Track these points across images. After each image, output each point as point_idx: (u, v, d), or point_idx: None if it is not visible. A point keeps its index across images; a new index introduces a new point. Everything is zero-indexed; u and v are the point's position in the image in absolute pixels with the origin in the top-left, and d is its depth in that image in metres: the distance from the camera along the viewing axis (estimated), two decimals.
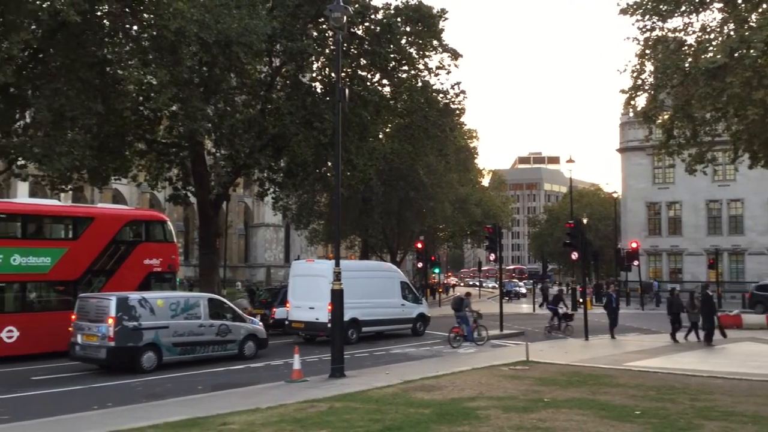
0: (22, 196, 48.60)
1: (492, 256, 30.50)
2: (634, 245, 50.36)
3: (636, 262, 49.21)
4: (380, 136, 40.10)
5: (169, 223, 24.99)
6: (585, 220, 52.29)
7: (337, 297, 16.13)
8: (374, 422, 10.37)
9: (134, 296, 17.82)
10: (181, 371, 17.22)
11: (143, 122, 28.79)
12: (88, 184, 30.14)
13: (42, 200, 25.87)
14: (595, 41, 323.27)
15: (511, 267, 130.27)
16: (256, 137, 29.10)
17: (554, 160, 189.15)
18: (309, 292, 23.90)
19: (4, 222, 21.32)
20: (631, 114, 31.37)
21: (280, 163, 32.51)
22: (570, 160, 35.84)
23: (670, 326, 25.25)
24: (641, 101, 21.61)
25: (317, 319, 23.35)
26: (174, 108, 26.57)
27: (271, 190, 35.48)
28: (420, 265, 55.40)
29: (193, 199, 33.22)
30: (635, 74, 20.70)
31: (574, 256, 33.29)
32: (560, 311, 28.52)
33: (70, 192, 35.33)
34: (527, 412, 11.25)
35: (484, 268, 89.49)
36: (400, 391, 13.31)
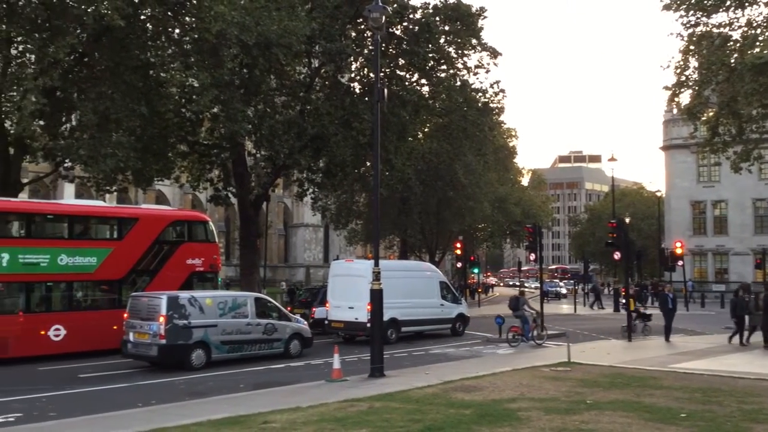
0: (68, 197, 49.68)
1: (532, 256, 30.19)
2: (678, 245, 49.42)
3: (680, 263, 48.28)
4: (419, 136, 40.08)
5: (211, 223, 25.25)
6: (627, 220, 51.42)
7: (376, 297, 16.15)
8: (414, 422, 10.35)
9: (184, 295, 18.16)
10: (222, 370, 17.43)
11: (185, 124, 29.21)
12: (133, 185, 30.71)
13: (87, 201, 26.37)
14: (637, 37, 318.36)
15: (554, 267, 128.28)
16: (295, 138, 29.30)
17: (595, 158, 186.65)
18: (348, 291, 23.97)
19: (51, 222, 21.77)
20: (675, 111, 30.86)
21: (319, 163, 32.69)
22: (612, 159, 35.36)
23: (723, 328, 24.48)
24: (685, 98, 21.28)
25: (356, 318, 23.42)
26: (215, 110, 26.93)
27: (311, 190, 35.72)
28: (459, 265, 55.17)
29: (233, 200, 33.60)
30: (679, 70, 20.36)
31: (617, 256, 32.79)
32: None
33: (115, 193, 36.00)
34: (569, 413, 11.10)
35: (524, 268, 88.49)
36: (440, 392, 13.26)
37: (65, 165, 26.73)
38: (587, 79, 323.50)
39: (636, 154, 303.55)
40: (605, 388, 13.79)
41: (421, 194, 47.55)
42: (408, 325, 25.07)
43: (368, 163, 33.11)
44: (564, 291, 71.18)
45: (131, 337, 17.80)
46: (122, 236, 22.04)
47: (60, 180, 30.51)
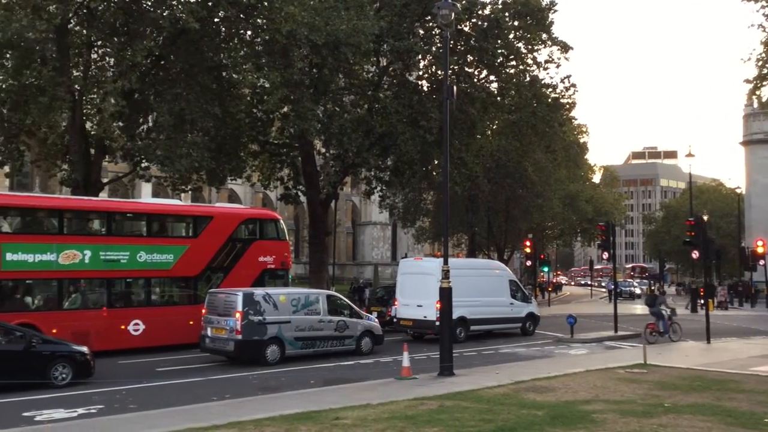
0: (145, 196, 51.35)
1: (605, 255, 29.49)
2: (760, 244, 47.45)
3: (762, 262, 46.36)
4: (487, 133, 39.70)
5: (282, 221, 25.57)
6: (706, 218, 49.70)
7: (445, 295, 16.08)
8: (486, 422, 10.25)
9: (259, 292, 18.54)
10: (294, 366, 17.67)
11: (257, 124, 29.76)
12: (206, 184, 31.50)
13: (164, 200, 27.09)
14: (715, 28, 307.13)
15: (629, 265, 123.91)
16: (363, 136, 29.46)
17: (671, 154, 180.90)
18: (417, 290, 23.92)
19: (131, 221, 22.44)
20: (756, 105, 29.60)
21: (387, 161, 32.79)
22: (689, 155, 34.27)
23: None
24: (767, 92, 20.34)
25: (425, 317, 23.34)
26: (285, 109, 27.36)
27: (378, 188, 35.86)
28: (528, 263, 54.41)
29: (303, 198, 34.05)
30: (761, 63, 19.51)
31: (695, 255, 31.69)
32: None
33: (190, 192, 37.01)
34: (646, 416, 10.80)
35: (597, 266, 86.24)
36: (511, 392, 13.10)
37: (142, 165, 27.64)
38: (662, 72, 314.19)
39: (714, 149, 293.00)
40: (684, 391, 13.36)
41: (490, 192, 47.11)
42: (477, 324, 24.86)
43: (436, 161, 33.01)
44: (638, 291, 69.21)
45: (209, 332, 18.30)
46: (197, 234, 22.48)
47: (137, 180, 31.51)
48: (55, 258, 18.98)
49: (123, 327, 19.96)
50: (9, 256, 18.27)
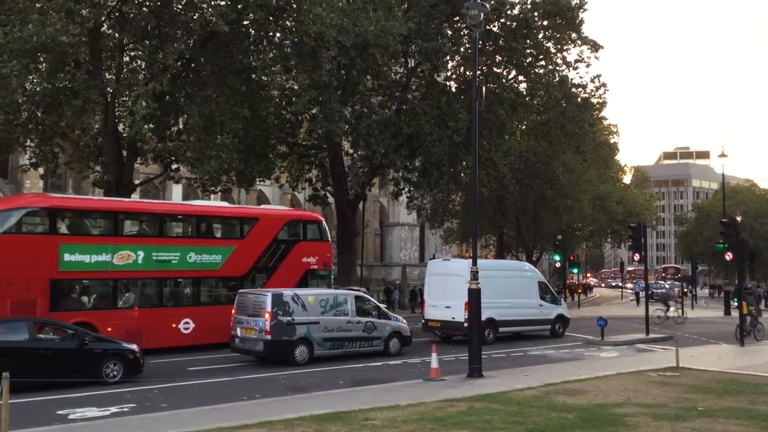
0: (176, 198, 51.94)
1: (636, 256, 29.09)
2: None
3: None
4: (516, 134, 39.49)
5: (324, 222, 25.81)
6: (739, 218, 48.89)
7: (474, 296, 16.00)
8: (516, 425, 10.18)
9: (288, 292, 18.64)
10: (322, 366, 17.73)
11: (285, 126, 29.93)
12: (236, 185, 31.76)
13: (213, 202, 27.38)
14: (748, 26, 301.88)
15: (661, 267, 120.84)
16: (391, 137, 29.48)
17: (703, 154, 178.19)
18: (445, 291, 23.83)
19: (181, 222, 23.01)
20: None
21: (415, 162, 32.78)
22: (722, 155, 33.70)
23: None
24: None
25: (453, 318, 23.22)
26: (314, 111, 27.48)
27: (406, 189, 35.85)
28: (558, 264, 53.94)
29: (331, 199, 34.19)
30: None
31: (729, 256, 31.15)
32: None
33: (219, 193, 37.33)
34: (679, 420, 10.64)
35: (630, 268, 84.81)
36: (542, 394, 12.99)
37: (173, 167, 27.95)
38: (694, 70, 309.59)
39: (747, 149, 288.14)
40: (717, 395, 13.15)
41: (518, 193, 46.84)
42: (506, 326, 24.68)
43: (464, 162, 32.93)
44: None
45: (238, 332, 18.45)
46: (244, 235, 22.87)
47: (168, 181, 31.88)
48: (110, 258, 19.57)
49: (174, 326, 20.35)
50: (67, 257, 18.83)
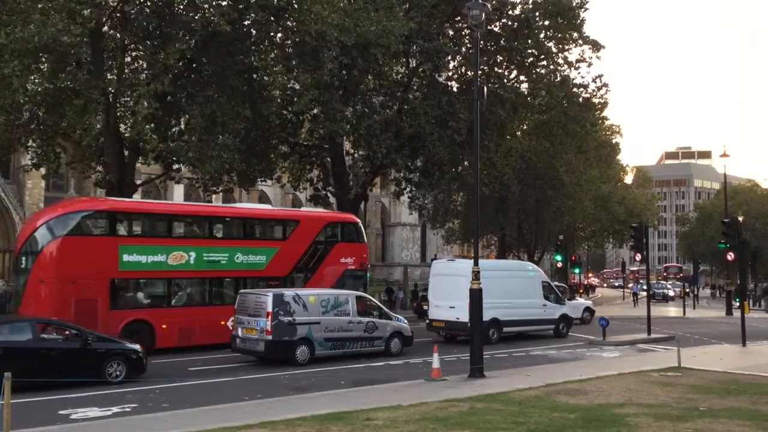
0: (177, 198, 51.98)
1: (638, 257, 29.07)
2: None
3: None
4: (517, 134, 39.46)
5: (361, 224, 26.41)
6: (741, 219, 48.83)
7: (475, 296, 16.01)
8: (518, 425, 10.17)
9: (289, 293, 18.70)
10: (323, 366, 17.72)
11: (287, 126, 29.93)
12: (237, 185, 31.77)
13: (258, 205, 28.08)
14: (748, 25, 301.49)
15: (665, 265, 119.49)
16: (392, 137, 29.48)
17: (705, 154, 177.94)
18: (449, 291, 23.81)
19: (228, 224, 23.73)
20: None
21: (416, 162, 32.76)
22: (724, 155, 33.64)
23: None
24: None
25: (457, 318, 23.14)
26: (315, 111, 27.47)
27: (408, 189, 35.82)
28: (560, 265, 53.89)
29: (332, 200, 34.15)
30: None
31: (730, 257, 31.13)
32: None
33: (221, 193, 37.32)
34: (681, 420, 10.63)
35: (633, 268, 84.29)
36: (543, 394, 12.99)
37: (174, 167, 27.95)
38: (695, 71, 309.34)
39: (749, 149, 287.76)
40: (719, 395, 13.14)
41: (520, 193, 46.81)
42: (510, 326, 24.74)
43: (466, 162, 32.90)
44: (672, 293, 67.98)
45: (239, 332, 18.47)
46: (286, 237, 23.72)
47: (169, 181, 31.88)
48: (165, 259, 20.46)
49: (223, 323, 20.55)
50: (126, 257, 19.75)
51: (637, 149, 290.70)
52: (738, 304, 32.46)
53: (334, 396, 13.20)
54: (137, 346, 15.67)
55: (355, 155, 33.23)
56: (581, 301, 35.95)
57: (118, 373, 14.85)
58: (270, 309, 17.79)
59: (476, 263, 16.48)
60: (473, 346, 15.71)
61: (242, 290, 20.00)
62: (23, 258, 19.95)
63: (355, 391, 13.97)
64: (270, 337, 17.70)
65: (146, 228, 21.65)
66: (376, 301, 21.44)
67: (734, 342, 24.36)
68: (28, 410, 11.64)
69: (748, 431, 10.02)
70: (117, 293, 19.69)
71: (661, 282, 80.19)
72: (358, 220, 26.53)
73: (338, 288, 22.19)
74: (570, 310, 27.96)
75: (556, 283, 34.71)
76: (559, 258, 55.61)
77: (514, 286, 25.18)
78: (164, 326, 19.48)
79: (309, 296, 18.77)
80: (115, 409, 12.15)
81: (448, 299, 23.87)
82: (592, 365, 18.23)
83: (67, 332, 15.13)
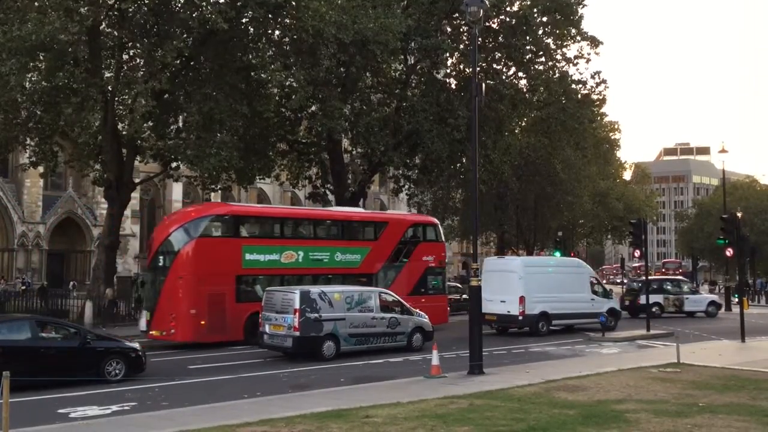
0: (176, 196, 52.00)
1: (637, 253, 29.11)
2: None
3: None
4: (516, 131, 39.46)
5: (440, 225, 28.20)
6: (740, 214, 48.90)
7: (474, 294, 16.03)
8: (517, 421, 10.16)
9: (315, 290, 19.07)
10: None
11: (285, 123, 29.94)
12: (236, 183, 31.76)
13: (352, 208, 29.75)
14: (747, 20, 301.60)
15: (664, 261, 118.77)
16: (391, 135, 29.48)
17: (704, 150, 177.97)
18: (500, 286, 25.18)
19: (328, 226, 25.79)
20: None
21: (414, 159, 32.76)
22: (723, 150, 33.64)
23: None
24: None
25: (508, 311, 25.08)
26: (313, 108, 27.47)
27: (406, 186, 35.82)
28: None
29: (331, 197, 34.17)
30: None
31: (729, 252, 31.17)
32: None
33: (219, 191, 37.31)
34: (680, 416, 10.62)
35: (634, 264, 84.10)
36: (543, 391, 12.98)
37: (173, 165, 27.93)
38: (694, 67, 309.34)
39: (748, 145, 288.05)
40: (718, 391, 13.13)
41: (518, 190, 46.83)
42: (558, 319, 26.02)
43: (464, 159, 32.91)
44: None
45: (267, 328, 18.76)
46: (377, 237, 25.80)
47: (167, 179, 31.86)
48: (279, 257, 22.68)
49: None
50: (248, 256, 21.99)
51: (636, 145, 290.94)
52: (737, 299, 32.51)
53: (333, 393, 13.18)
54: (136, 345, 15.66)
55: (354, 153, 33.22)
56: (706, 296, 37.07)
57: (117, 371, 14.83)
58: (297, 306, 18.10)
59: (475, 260, 16.52)
60: (473, 343, 15.66)
61: (269, 288, 20.49)
62: (160, 257, 22.03)
63: (354, 389, 13.95)
64: (298, 333, 18.02)
65: (263, 230, 23.80)
66: (398, 297, 21.60)
67: (733, 338, 24.36)
68: (27, 409, 11.63)
69: (747, 426, 10.00)
70: (241, 288, 21.71)
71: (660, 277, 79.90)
72: (437, 222, 28.29)
73: (421, 283, 25.62)
74: (617, 303, 28.77)
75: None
76: (558, 254, 55.64)
77: (563, 281, 26.52)
78: None
79: (334, 293, 19.11)
80: (114, 408, 12.13)
81: (499, 294, 25.18)
82: (591, 362, 18.20)
83: (66, 331, 15.11)
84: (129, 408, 12.20)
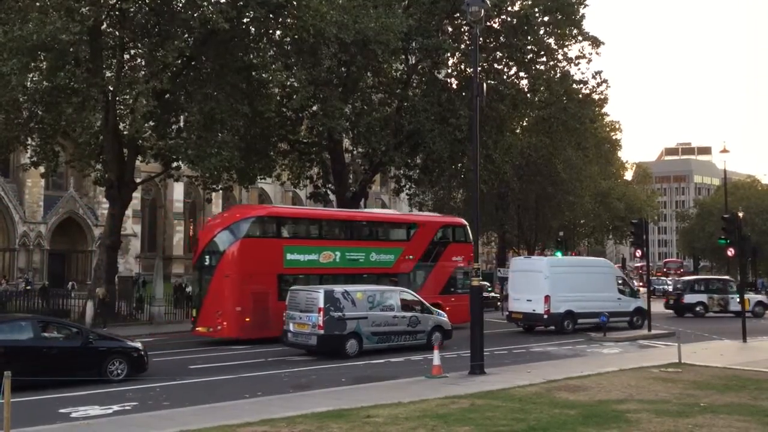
0: (177, 196, 52.02)
1: (638, 253, 29.09)
2: None
3: None
4: (517, 131, 39.46)
5: (468, 226, 28.29)
6: (741, 214, 48.84)
7: (474, 293, 16.01)
8: (518, 421, 10.16)
9: (338, 289, 19.29)
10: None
11: (286, 123, 29.94)
12: (237, 183, 31.77)
13: (385, 210, 30.69)
14: (749, 20, 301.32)
15: (665, 261, 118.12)
16: (392, 135, 29.48)
17: (705, 150, 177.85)
18: (527, 285, 25.85)
19: (364, 228, 26.45)
20: None
21: (416, 159, 32.76)
22: (724, 150, 33.68)
23: None
24: None
25: (534, 310, 25.59)
26: (314, 108, 27.47)
27: (407, 186, 35.81)
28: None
29: (332, 197, 34.17)
30: None
31: (731, 252, 31.20)
32: None
33: (221, 191, 37.32)
34: (681, 416, 10.61)
35: (636, 264, 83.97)
36: (543, 391, 12.97)
37: (174, 165, 27.93)
38: (695, 67, 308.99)
39: (749, 145, 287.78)
40: (720, 391, 13.12)
41: (519, 189, 46.82)
42: (584, 317, 26.14)
43: (465, 159, 32.91)
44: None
45: (291, 327, 18.99)
46: (410, 238, 26.50)
47: (168, 179, 31.86)
48: (317, 257, 23.41)
49: None
50: (289, 256, 22.71)
51: (637, 145, 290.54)
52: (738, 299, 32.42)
53: (334, 393, 13.18)
54: (138, 344, 15.67)
55: (355, 152, 33.22)
56: (753, 296, 36.97)
57: (119, 371, 14.84)
58: (321, 305, 18.37)
59: (476, 260, 16.50)
60: (474, 343, 15.65)
61: (293, 287, 20.72)
62: (207, 257, 22.95)
63: (355, 389, 13.95)
64: (322, 332, 18.31)
65: (303, 231, 24.83)
66: (419, 297, 21.67)
67: (735, 338, 24.35)
68: (29, 409, 11.63)
69: (748, 426, 9.99)
70: (282, 286, 22.00)
71: (661, 278, 80.00)
72: (466, 223, 28.60)
73: (451, 283, 26.38)
74: (644, 303, 28.71)
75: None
76: (559, 254, 55.63)
77: (590, 280, 26.93)
78: None
79: (357, 292, 19.38)
80: (115, 408, 12.14)
81: (525, 293, 25.86)
82: (592, 362, 18.20)
83: (68, 331, 15.12)
84: (130, 408, 12.21)
